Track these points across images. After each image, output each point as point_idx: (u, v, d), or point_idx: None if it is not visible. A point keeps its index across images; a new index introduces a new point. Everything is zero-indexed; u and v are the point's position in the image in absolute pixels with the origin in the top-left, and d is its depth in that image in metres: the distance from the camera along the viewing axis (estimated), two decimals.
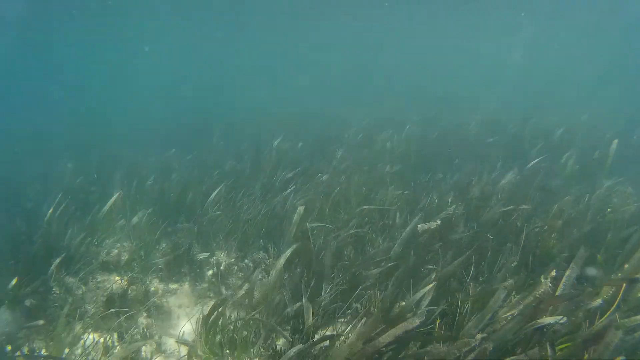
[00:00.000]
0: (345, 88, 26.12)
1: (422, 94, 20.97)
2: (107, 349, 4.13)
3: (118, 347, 4.17)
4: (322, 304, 4.11)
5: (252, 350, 4.01)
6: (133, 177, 8.68)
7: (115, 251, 5.91)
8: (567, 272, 3.41)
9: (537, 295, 3.03)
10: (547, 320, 3.06)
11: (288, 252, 4.70)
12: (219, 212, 6.47)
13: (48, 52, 36.55)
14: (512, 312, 3.22)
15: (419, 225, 4.99)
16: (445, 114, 14.83)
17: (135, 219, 6.26)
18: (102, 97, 27.86)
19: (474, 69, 36.14)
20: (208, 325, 4.05)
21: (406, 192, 6.97)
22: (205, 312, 4.18)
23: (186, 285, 5.60)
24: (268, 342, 4.16)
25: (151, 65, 43.09)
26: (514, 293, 3.80)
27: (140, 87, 34.14)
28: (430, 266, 4.75)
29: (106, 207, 6.91)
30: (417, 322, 3.08)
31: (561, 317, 3.03)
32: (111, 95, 30.03)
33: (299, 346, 3.34)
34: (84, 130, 16.30)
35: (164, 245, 6.22)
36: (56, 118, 19.80)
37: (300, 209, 5.00)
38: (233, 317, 4.35)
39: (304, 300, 3.76)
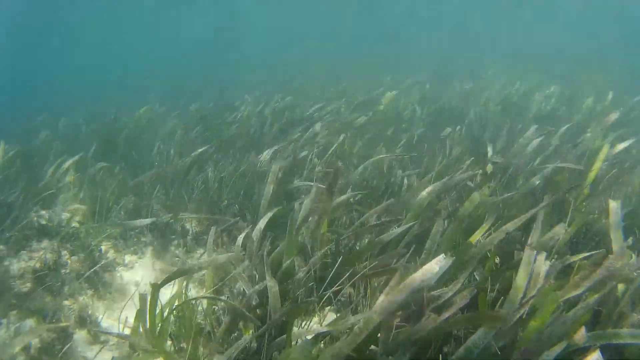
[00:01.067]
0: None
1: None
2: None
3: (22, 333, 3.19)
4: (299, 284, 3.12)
5: (209, 343, 3.05)
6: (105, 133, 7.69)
7: (64, 213, 4.93)
8: None
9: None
10: None
11: (262, 223, 3.71)
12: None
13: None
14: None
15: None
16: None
17: (91, 171, 5.24)
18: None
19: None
20: (152, 310, 3.08)
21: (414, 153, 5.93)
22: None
23: (147, 258, 4.63)
24: (234, 334, 3.19)
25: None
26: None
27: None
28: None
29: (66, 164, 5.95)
30: (436, 268, 2.28)
31: None
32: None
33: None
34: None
35: (124, 208, 5.23)
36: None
37: (275, 167, 3.97)
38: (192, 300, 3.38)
39: (267, 278, 2.77)
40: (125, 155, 6.74)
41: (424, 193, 4.12)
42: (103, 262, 4.31)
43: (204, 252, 4.24)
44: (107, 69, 22.21)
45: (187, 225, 4.90)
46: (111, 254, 4.56)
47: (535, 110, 8.17)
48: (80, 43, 36.57)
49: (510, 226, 3.17)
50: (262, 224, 3.82)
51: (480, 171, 4.43)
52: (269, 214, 3.93)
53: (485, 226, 3.49)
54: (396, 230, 3.68)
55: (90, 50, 33.20)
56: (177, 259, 4.45)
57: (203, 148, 6.22)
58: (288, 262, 3.39)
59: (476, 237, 3.47)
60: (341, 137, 6.26)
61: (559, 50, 19.28)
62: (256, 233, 3.75)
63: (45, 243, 4.31)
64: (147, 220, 4.41)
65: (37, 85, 18.98)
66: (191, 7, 37.47)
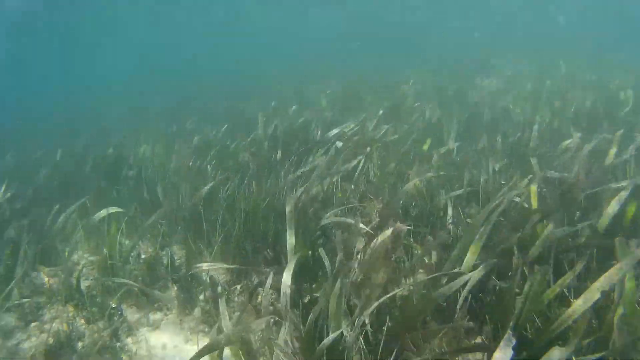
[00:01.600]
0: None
1: None
2: None
3: None
4: None
5: None
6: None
7: (75, 267, 4.46)
8: None
9: None
10: None
11: (287, 278, 3.18)
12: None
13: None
14: None
15: None
16: None
17: (98, 215, 4.77)
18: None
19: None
20: None
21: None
22: None
23: (173, 314, 4.14)
24: None
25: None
26: None
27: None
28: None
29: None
30: None
31: None
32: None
33: None
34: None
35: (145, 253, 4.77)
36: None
37: (290, 201, 3.44)
38: None
39: None
40: (134, 191, 6.26)
41: (481, 228, 3.59)
42: (124, 324, 3.85)
43: (239, 315, 3.71)
44: (106, 72, 21.86)
45: (213, 273, 4.42)
46: (133, 313, 4.09)
47: (574, 109, 7.60)
48: (80, 43, 36.30)
49: (604, 283, 2.63)
50: (287, 278, 3.27)
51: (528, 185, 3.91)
52: (292, 264, 3.40)
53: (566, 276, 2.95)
54: (459, 281, 3.16)
55: (90, 50, 32.92)
56: (207, 315, 3.97)
57: (213, 182, 5.64)
58: (333, 335, 2.86)
59: (554, 291, 2.92)
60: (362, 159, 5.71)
61: (559, 50, 18.65)
62: (284, 290, 3.23)
63: (57, 309, 3.84)
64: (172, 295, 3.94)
65: (37, 87, 18.64)
66: (191, 8, 37.08)
